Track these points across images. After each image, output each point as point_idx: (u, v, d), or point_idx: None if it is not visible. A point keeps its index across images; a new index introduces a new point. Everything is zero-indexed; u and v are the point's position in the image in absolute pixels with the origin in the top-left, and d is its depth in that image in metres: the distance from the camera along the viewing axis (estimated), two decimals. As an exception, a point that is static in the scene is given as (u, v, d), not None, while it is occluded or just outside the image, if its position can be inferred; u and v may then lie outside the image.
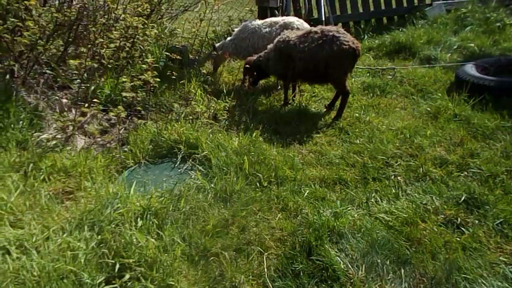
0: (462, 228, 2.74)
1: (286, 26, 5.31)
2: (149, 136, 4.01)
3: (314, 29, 4.52)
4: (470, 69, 4.93)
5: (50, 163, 3.42)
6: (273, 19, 5.63)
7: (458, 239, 2.64)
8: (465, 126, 4.02)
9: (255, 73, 5.06)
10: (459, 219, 2.80)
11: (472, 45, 6.25)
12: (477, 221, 2.78)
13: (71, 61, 3.88)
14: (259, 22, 5.66)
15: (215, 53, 5.83)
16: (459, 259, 2.45)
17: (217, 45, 5.85)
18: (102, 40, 4.16)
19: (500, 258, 2.48)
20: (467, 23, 7.16)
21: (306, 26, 5.34)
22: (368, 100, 5.03)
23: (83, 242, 2.47)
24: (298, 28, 5.19)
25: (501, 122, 3.95)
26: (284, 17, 5.57)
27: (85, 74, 4.49)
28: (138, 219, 2.73)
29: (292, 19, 5.48)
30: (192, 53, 6.05)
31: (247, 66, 5.02)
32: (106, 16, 4.67)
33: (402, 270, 2.42)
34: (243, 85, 5.31)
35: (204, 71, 5.29)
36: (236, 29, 5.91)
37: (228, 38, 5.85)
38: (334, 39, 4.28)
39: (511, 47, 6.08)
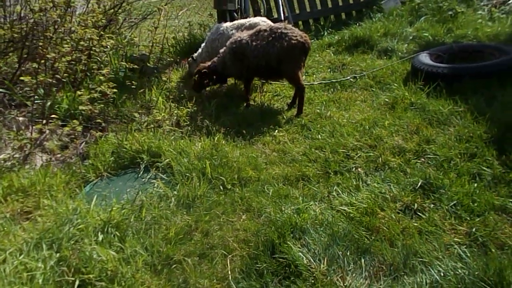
0: (419, 213, 2.82)
1: (252, 27, 5.34)
2: (110, 148, 3.96)
3: (263, 27, 4.68)
4: (425, 58, 5.06)
5: (7, 184, 3.34)
6: (241, 21, 5.69)
7: (415, 224, 2.71)
8: (421, 113, 4.12)
9: (212, 78, 5.01)
10: (416, 205, 2.88)
11: (427, 34, 6.41)
12: (432, 205, 2.86)
13: (22, 77, 3.79)
14: (228, 24, 5.73)
15: (191, 61, 5.82)
16: (415, 243, 2.52)
17: (195, 55, 5.84)
18: (54, 54, 4.08)
19: (455, 239, 2.56)
20: (422, 13, 7.35)
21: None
22: (329, 95, 5.10)
23: (41, 262, 2.43)
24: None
25: (454, 107, 4.07)
26: (251, 19, 5.63)
27: (41, 90, 4.40)
28: (99, 233, 2.70)
29: (257, 20, 5.54)
30: (152, 61, 6.00)
31: (205, 71, 4.97)
32: (58, 30, 4.58)
33: (362, 260, 2.47)
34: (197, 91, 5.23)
35: (165, 78, 5.25)
36: (208, 33, 5.95)
37: (202, 45, 5.87)
38: (283, 35, 4.45)
39: (463, 34, 6.27)
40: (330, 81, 5.43)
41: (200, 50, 5.85)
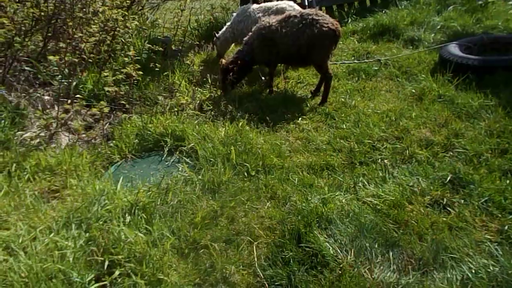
0: (448, 208, 2.78)
1: (279, 12, 5.26)
2: (135, 130, 3.98)
3: (293, 13, 4.58)
4: (454, 48, 4.94)
5: (35, 162, 3.38)
6: (268, 4, 5.61)
7: (444, 219, 2.67)
8: (450, 106, 4.04)
9: (237, 71, 4.77)
10: (445, 200, 2.83)
11: (455, 24, 6.25)
12: (462, 201, 2.81)
13: (50, 57, 3.80)
14: (255, 6, 5.66)
15: (215, 40, 5.81)
16: (445, 239, 2.49)
17: (219, 33, 5.80)
18: (81, 34, 4.08)
19: (486, 236, 2.52)
20: (450, 2, 7.16)
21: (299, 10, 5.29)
22: (354, 84, 5.03)
23: (71, 241, 2.46)
24: None
25: (485, 101, 3.98)
26: (278, 2, 5.54)
27: (66, 70, 4.41)
28: (126, 215, 2.72)
29: (284, 4, 5.46)
30: (175, 43, 5.97)
31: (226, 66, 4.79)
32: (84, 10, 4.57)
33: (391, 253, 2.45)
34: (226, 90, 4.94)
35: (188, 61, 5.22)
36: (234, 14, 5.89)
37: (227, 24, 5.81)
38: (314, 22, 4.37)
39: (494, 25, 6.10)
40: (353, 62, 5.35)
41: (224, 28, 5.80)
